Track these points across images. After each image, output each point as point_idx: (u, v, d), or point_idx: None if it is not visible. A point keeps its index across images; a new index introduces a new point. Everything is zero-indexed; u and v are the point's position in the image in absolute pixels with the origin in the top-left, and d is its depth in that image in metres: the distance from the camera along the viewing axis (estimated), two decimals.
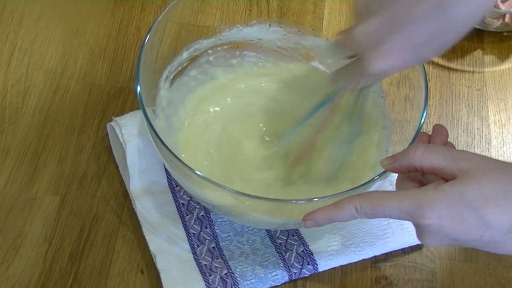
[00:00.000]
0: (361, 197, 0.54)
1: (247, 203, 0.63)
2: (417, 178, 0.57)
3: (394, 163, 0.56)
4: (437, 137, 0.61)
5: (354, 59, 0.59)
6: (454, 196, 0.51)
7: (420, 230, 0.53)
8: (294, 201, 0.61)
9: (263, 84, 0.79)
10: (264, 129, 0.77)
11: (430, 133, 0.63)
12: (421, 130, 0.63)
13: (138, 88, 0.64)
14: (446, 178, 0.53)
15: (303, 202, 0.60)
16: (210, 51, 0.78)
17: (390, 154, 0.63)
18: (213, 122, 0.76)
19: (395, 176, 0.60)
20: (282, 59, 0.80)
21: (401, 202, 0.52)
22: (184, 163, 0.60)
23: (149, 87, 0.71)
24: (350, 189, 0.60)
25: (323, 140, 0.72)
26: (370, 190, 0.62)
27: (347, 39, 0.56)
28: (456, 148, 0.61)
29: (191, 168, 0.60)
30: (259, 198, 0.59)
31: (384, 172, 0.59)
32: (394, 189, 0.60)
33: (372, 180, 0.60)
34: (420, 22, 0.53)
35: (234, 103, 0.78)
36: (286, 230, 0.72)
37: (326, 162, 0.72)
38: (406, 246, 0.73)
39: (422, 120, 0.64)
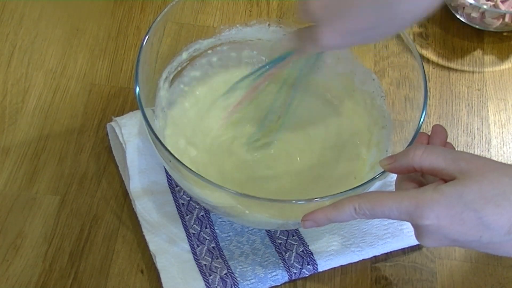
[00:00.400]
0: (360, 197, 0.54)
1: (246, 203, 0.63)
2: (416, 178, 0.57)
3: (393, 163, 0.56)
4: (437, 137, 0.61)
5: (309, 26, 0.61)
6: (453, 196, 0.51)
7: (419, 231, 0.53)
8: (293, 201, 0.61)
9: (263, 84, 0.79)
10: (260, 129, 0.77)
11: (429, 134, 0.63)
12: (421, 130, 0.63)
13: (137, 89, 0.64)
14: (445, 179, 0.53)
15: (303, 202, 0.60)
16: (210, 51, 0.78)
17: (390, 154, 0.63)
18: (213, 121, 0.76)
19: (394, 176, 0.60)
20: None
21: (400, 202, 0.52)
22: (183, 164, 0.60)
23: (149, 88, 0.71)
24: (350, 189, 0.59)
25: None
26: (370, 190, 0.62)
27: (304, 7, 0.59)
28: (456, 148, 0.61)
29: (191, 169, 0.60)
30: (258, 198, 0.59)
31: (384, 172, 0.59)
32: (394, 190, 0.60)
33: (371, 180, 0.60)
34: (368, 10, 0.56)
35: (233, 103, 0.78)
36: (286, 230, 0.72)
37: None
38: (406, 246, 0.73)
39: (422, 120, 0.64)
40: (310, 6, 0.58)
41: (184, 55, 0.76)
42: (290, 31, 0.66)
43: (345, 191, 0.59)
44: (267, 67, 0.71)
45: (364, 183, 0.61)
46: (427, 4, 0.56)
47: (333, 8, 0.57)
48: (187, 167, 0.60)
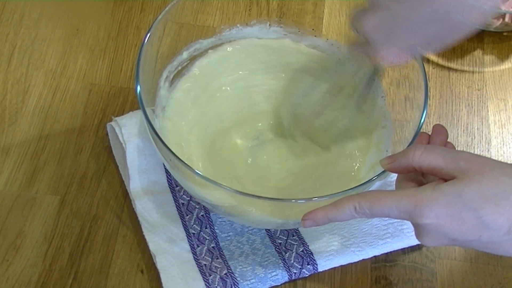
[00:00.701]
0: (360, 196, 0.54)
1: (246, 202, 0.63)
2: (416, 178, 0.57)
3: (393, 163, 0.56)
4: (437, 137, 0.61)
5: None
6: (453, 195, 0.51)
7: (418, 230, 0.53)
8: (293, 201, 0.61)
9: (263, 84, 0.79)
10: (260, 127, 0.77)
11: (430, 133, 0.63)
12: (421, 130, 0.63)
13: (138, 88, 0.64)
14: (445, 178, 0.53)
15: (303, 201, 0.60)
16: (210, 51, 0.78)
17: (390, 154, 0.63)
18: (212, 122, 0.76)
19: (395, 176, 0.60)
20: (282, 59, 0.80)
21: (400, 201, 0.52)
22: (184, 162, 0.60)
23: (149, 87, 0.71)
24: (349, 189, 0.59)
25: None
26: (370, 190, 0.62)
27: (358, 27, 0.59)
28: (456, 148, 0.61)
29: (191, 167, 0.60)
30: (258, 197, 0.59)
31: (383, 172, 0.59)
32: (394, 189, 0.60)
33: (371, 180, 0.60)
34: (425, 23, 0.55)
35: (233, 102, 0.78)
36: (286, 230, 0.72)
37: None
38: (406, 246, 0.73)
39: (422, 120, 0.64)
40: (363, 28, 0.58)
41: (185, 55, 0.76)
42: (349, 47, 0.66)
43: (345, 191, 0.59)
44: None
45: (364, 182, 0.61)
46: (486, 9, 0.55)
47: (387, 27, 0.57)
48: (187, 165, 0.60)
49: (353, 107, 0.73)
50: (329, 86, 0.74)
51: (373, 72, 0.69)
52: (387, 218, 0.73)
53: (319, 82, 0.76)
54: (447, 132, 0.61)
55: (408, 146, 0.62)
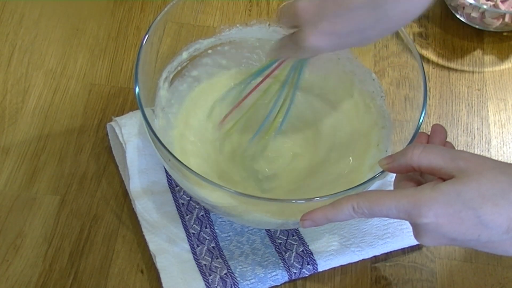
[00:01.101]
0: (359, 196, 0.54)
1: (245, 202, 0.63)
2: (415, 178, 0.57)
3: (392, 162, 0.56)
4: (436, 137, 0.61)
5: (293, 31, 0.60)
6: (452, 195, 0.51)
7: (417, 230, 0.53)
8: (293, 201, 0.61)
9: (263, 83, 0.79)
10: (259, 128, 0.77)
11: (429, 133, 0.63)
12: (421, 130, 0.63)
13: (137, 89, 0.64)
14: (444, 178, 0.53)
15: (302, 201, 0.60)
16: (210, 51, 0.78)
17: (389, 154, 0.63)
18: (211, 121, 0.76)
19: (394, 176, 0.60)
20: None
21: (398, 201, 0.52)
22: (182, 163, 0.60)
23: (149, 87, 0.71)
24: (349, 189, 0.59)
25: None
26: (369, 190, 0.62)
27: (290, 9, 0.58)
28: (456, 148, 0.61)
29: (190, 168, 0.60)
30: (258, 198, 0.59)
31: (383, 172, 0.59)
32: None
33: (370, 180, 0.60)
34: (358, 11, 0.55)
35: (233, 102, 0.78)
36: (286, 230, 0.72)
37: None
38: (406, 246, 0.73)
39: (421, 120, 0.64)
40: (295, 8, 0.57)
41: (185, 55, 0.76)
42: (272, 43, 0.66)
43: (344, 191, 0.59)
44: (256, 74, 0.72)
45: (363, 182, 0.61)
46: (422, 3, 0.56)
47: (320, 10, 0.56)
48: (186, 166, 0.60)
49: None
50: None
51: (299, 62, 0.69)
52: (387, 218, 0.73)
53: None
54: (446, 132, 0.61)
55: (407, 146, 0.62)
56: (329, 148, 0.75)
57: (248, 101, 0.75)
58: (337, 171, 0.73)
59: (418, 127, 0.63)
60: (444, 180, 0.52)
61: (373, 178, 0.60)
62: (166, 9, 0.70)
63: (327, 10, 0.56)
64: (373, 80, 0.76)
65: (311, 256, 0.71)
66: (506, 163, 0.53)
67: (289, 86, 0.71)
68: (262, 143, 0.75)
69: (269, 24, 0.79)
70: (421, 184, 0.54)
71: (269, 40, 0.79)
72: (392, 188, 0.62)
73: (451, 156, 0.53)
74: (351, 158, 0.73)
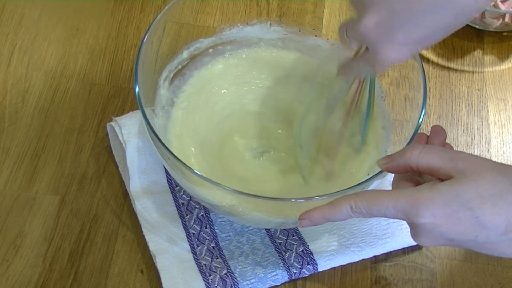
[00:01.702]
0: (357, 196, 0.54)
1: (245, 202, 0.63)
2: (413, 178, 0.57)
3: (391, 162, 0.56)
4: (435, 138, 0.60)
5: (362, 52, 0.59)
6: (450, 195, 0.51)
7: (415, 229, 0.53)
8: (293, 200, 0.61)
9: (263, 83, 0.79)
10: (258, 128, 0.77)
11: (428, 134, 0.62)
12: (421, 130, 0.63)
13: (137, 88, 0.64)
14: (442, 178, 0.53)
15: (301, 201, 0.60)
16: (210, 50, 0.78)
17: (389, 154, 0.63)
18: (211, 120, 0.76)
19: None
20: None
21: (396, 200, 0.52)
22: (182, 162, 0.60)
23: (149, 87, 0.71)
24: (347, 188, 0.59)
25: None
26: (367, 189, 0.62)
27: (356, 31, 0.56)
28: (456, 149, 0.61)
29: (189, 167, 0.60)
30: (257, 197, 0.59)
31: (381, 171, 0.59)
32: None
33: (368, 180, 0.60)
34: (432, 11, 0.52)
35: (233, 102, 0.78)
36: (286, 230, 0.72)
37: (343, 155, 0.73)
38: (406, 246, 0.73)
39: (420, 120, 0.64)
40: (364, 29, 0.54)
41: (185, 54, 0.76)
42: (338, 66, 0.64)
43: (343, 190, 0.59)
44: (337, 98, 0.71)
45: (362, 182, 0.60)
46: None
47: (391, 23, 0.53)
48: (186, 165, 0.60)
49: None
50: (327, 100, 0.73)
51: (371, 80, 0.68)
52: (387, 218, 0.73)
53: (320, 95, 0.75)
54: (445, 133, 0.61)
55: (406, 146, 0.62)
56: (329, 148, 0.75)
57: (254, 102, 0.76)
58: (336, 171, 0.72)
59: (418, 127, 0.63)
60: (442, 180, 0.52)
61: (372, 178, 0.60)
62: (166, 8, 0.70)
63: (399, 20, 0.53)
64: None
65: (311, 256, 0.71)
66: (505, 165, 0.53)
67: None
68: (263, 143, 0.75)
69: (269, 24, 0.79)
70: (419, 185, 0.54)
71: (270, 40, 0.79)
72: (390, 187, 0.62)
73: (449, 157, 0.53)
74: (350, 158, 0.73)
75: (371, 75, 0.67)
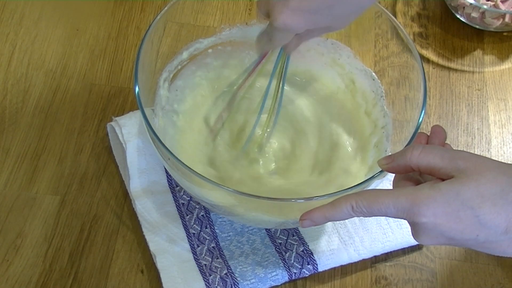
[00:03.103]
0: (357, 195, 0.54)
1: (245, 202, 0.63)
2: (414, 177, 0.56)
3: (391, 163, 0.56)
4: (436, 138, 0.60)
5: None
6: (450, 194, 0.51)
7: (415, 228, 0.53)
8: (292, 200, 0.61)
9: (263, 83, 0.79)
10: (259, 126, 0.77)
11: (428, 134, 0.62)
12: (421, 130, 0.63)
13: (136, 88, 0.64)
14: (443, 178, 0.53)
15: (301, 201, 0.60)
16: (210, 50, 0.78)
17: (389, 154, 0.63)
18: (211, 120, 0.76)
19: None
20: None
21: (397, 199, 0.52)
22: (182, 162, 0.60)
23: (149, 87, 0.71)
24: (347, 188, 0.59)
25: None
26: (367, 189, 0.62)
27: (259, 2, 0.59)
28: (456, 148, 0.61)
29: (189, 167, 0.60)
30: (257, 197, 0.59)
31: (381, 171, 0.59)
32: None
33: (369, 179, 0.60)
34: None
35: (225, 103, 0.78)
36: (286, 230, 0.72)
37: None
38: (406, 246, 0.73)
39: (420, 119, 0.64)
40: None
41: (185, 55, 0.76)
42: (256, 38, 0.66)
43: (343, 190, 0.59)
44: (244, 72, 0.72)
45: (362, 182, 0.60)
46: None
47: None
48: (185, 165, 0.60)
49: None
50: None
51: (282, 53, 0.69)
52: (387, 218, 0.73)
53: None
54: (445, 133, 0.61)
55: (407, 145, 0.62)
56: (328, 148, 0.75)
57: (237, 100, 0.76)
58: (336, 171, 0.72)
59: (418, 127, 0.63)
60: (443, 180, 0.52)
61: (372, 177, 0.60)
62: (166, 8, 0.70)
63: None
64: (373, 80, 0.76)
65: (311, 256, 0.71)
66: (506, 164, 0.53)
67: (277, 79, 0.71)
68: (263, 143, 0.75)
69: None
70: (419, 184, 0.54)
71: None
72: (391, 187, 0.62)
73: (450, 156, 0.53)
74: (350, 158, 0.73)
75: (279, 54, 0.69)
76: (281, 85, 0.71)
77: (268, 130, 0.74)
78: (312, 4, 0.57)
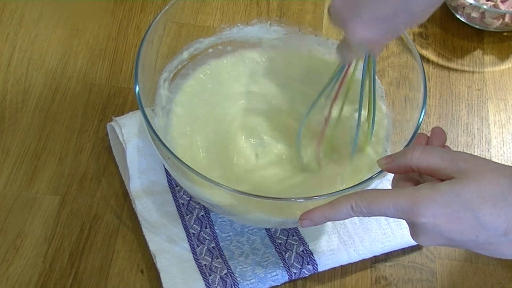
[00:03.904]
0: (357, 195, 0.54)
1: (245, 201, 0.63)
2: (414, 178, 0.56)
3: (391, 163, 0.56)
4: (436, 139, 0.60)
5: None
6: (450, 195, 0.50)
7: (414, 229, 0.53)
8: (292, 199, 0.61)
9: (262, 83, 0.79)
10: (259, 127, 0.77)
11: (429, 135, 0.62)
12: (421, 131, 0.63)
13: (137, 88, 0.64)
14: (443, 179, 0.53)
15: (301, 200, 0.60)
16: (210, 50, 0.78)
17: (389, 154, 0.63)
18: (211, 120, 0.76)
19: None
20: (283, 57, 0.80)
21: (397, 199, 0.52)
22: (181, 161, 0.60)
23: (149, 86, 0.71)
24: (347, 188, 0.59)
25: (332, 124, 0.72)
26: (367, 189, 0.62)
27: (330, 11, 0.58)
28: (456, 149, 0.61)
29: (189, 166, 0.59)
30: (258, 196, 0.59)
31: (381, 171, 0.59)
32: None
33: (369, 179, 0.60)
34: None
35: (232, 101, 0.78)
36: (286, 230, 0.72)
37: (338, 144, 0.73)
38: (406, 246, 0.73)
39: (420, 119, 0.64)
40: (331, 9, 0.57)
41: (185, 54, 0.76)
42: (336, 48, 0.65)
43: (343, 190, 0.59)
44: (330, 85, 0.69)
45: (362, 182, 0.60)
46: None
47: (355, 1, 0.55)
48: (185, 163, 0.60)
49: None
50: (325, 90, 0.72)
51: (365, 64, 0.67)
52: (387, 218, 0.73)
53: (316, 89, 0.75)
54: (445, 135, 0.61)
55: (406, 145, 0.62)
56: (328, 147, 0.75)
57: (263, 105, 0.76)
58: (336, 170, 0.72)
59: (418, 127, 0.63)
60: (442, 181, 0.52)
61: (372, 177, 0.60)
62: (166, 8, 0.70)
63: None
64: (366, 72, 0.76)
65: (311, 256, 0.71)
66: (506, 166, 0.53)
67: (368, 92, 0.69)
68: (263, 144, 0.75)
69: (269, 24, 0.79)
70: (419, 184, 0.54)
71: (270, 39, 0.79)
72: (390, 187, 0.62)
73: (450, 158, 0.53)
74: (350, 158, 0.73)
75: (365, 60, 0.67)
76: (372, 88, 0.69)
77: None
78: (384, 9, 0.55)
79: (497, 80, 0.88)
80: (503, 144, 0.83)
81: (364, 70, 0.66)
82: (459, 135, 0.83)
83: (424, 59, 0.89)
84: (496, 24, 0.89)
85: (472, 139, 0.83)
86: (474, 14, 0.89)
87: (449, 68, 0.89)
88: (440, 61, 0.89)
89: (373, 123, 0.70)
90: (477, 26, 0.91)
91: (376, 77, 0.75)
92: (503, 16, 0.88)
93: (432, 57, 0.89)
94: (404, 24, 0.58)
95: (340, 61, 0.65)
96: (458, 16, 0.92)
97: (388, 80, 0.75)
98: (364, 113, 0.70)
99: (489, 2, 0.89)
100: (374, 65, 0.66)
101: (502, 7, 0.88)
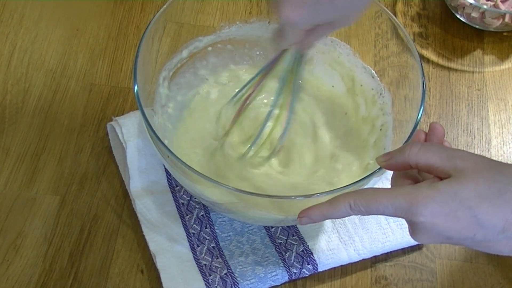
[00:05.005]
0: (356, 194, 0.54)
1: (245, 199, 0.63)
2: (412, 175, 0.56)
3: (389, 160, 0.56)
4: (434, 135, 0.60)
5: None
6: (449, 194, 0.51)
7: (413, 227, 0.53)
8: (292, 197, 0.61)
9: (263, 82, 0.79)
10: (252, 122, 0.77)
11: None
12: (421, 130, 0.63)
13: (136, 87, 0.64)
14: (441, 176, 0.53)
15: (300, 198, 0.60)
16: (210, 48, 0.78)
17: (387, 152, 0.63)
18: (210, 119, 0.76)
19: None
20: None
21: (395, 198, 0.52)
22: (181, 160, 0.60)
23: (149, 86, 0.71)
24: (345, 186, 0.59)
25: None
26: (366, 187, 0.62)
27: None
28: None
29: (188, 165, 0.60)
30: (257, 194, 0.59)
31: (380, 169, 0.59)
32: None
33: (367, 177, 0.60)
34: None
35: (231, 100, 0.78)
36: (286, 230, 0.72)
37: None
38: (406, 246, 0.73)
39: (419, 117, 0.64)
40: None
41: (184, 53, 0.76)
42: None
43: (341, 188, 0.59)
44: (258, 74, 0.71)
45: (360, 180, 0.60)
46: None
47: None
48: (184, 163, 0.60)
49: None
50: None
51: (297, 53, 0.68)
52: (387, 218, 0.73)
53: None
54: (444, 130, 0.61)
55: (405, 142, 0.62)
56: (329, 147, 0.75)
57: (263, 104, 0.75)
58: (335, 169, 0.72)
59: (416, 125, 0.63)
60: (441, 178, 0.52)
61: (370, 175, 0.60)
62: (164, 7, 0.70)
63: None
64: (373, 77, 0.76)
65: (311, 256, 0.71)
66: (504, 163, 0.53)
67: (288, 82, 0.70)
68: (262, 142, 0.75)
69: (269, 22, 0.79)
70: (418, 182, 0.54)
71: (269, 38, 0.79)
72: (389, 184, 0.62)
73: (448, 155, 0.53)
74: (349, 157, 0.73)
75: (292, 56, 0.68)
76: (293, 85, 0.70)
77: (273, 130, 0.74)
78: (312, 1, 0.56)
79: (497, 80, 0.88)
80: (503, 144, 0.83)
81: (291, 64, 0.67)
82: (459, 135, 0.83)
83: (424, 59, 0.89)
84: (496, 24, 0.89)
85: (472, 139, 0.83)
86: (474, 14, 0.89)
87: (449, 68, 0.89)
88: (440, 61, 0.89)
89: (288, 119, 0.71)
90: (477, 26, 0.91)
91: (376, 75, 0.76)
92: (503, 16, 0.88)
93: (432, 57, 0.89)
94: (329, 16, 0.58)
95: (273, 50, 0.66)
96: (458, 16, 0.92)
97: (388, 80, 0.75)
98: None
99: (489, 2, 0.89)
100: (300, 61, 0.67)
101: (502, 7, 0.88)
